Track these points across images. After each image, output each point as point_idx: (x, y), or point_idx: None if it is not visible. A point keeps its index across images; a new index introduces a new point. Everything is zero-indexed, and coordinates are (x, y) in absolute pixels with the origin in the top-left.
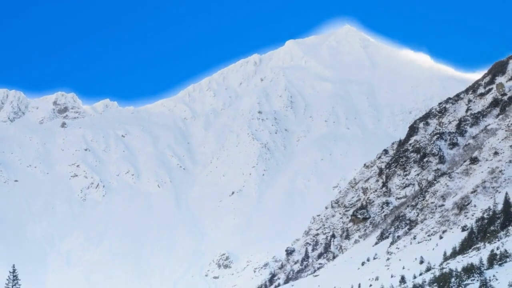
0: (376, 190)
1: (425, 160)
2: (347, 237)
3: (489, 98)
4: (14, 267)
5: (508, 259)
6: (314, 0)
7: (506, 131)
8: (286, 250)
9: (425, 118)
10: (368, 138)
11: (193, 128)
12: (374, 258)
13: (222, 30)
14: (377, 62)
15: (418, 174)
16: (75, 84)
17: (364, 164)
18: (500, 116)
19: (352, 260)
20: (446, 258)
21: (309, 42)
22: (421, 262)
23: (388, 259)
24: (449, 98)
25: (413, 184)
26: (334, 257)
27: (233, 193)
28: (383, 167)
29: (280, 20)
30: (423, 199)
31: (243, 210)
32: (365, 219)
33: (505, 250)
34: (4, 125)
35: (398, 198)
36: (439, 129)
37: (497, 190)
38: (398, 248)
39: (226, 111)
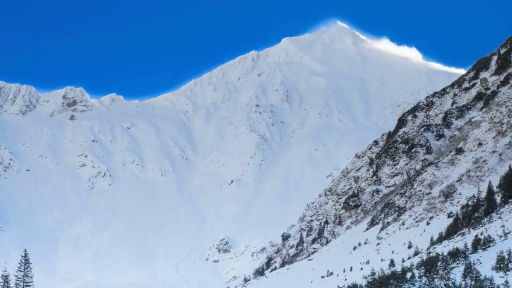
0: (367, 179)
1: (413, 150)
2: (340, 223)
3: (473, 92)
4: (25, 251)
5: (491, 244)
6: (308, 1)
7: (489, 123)
8: (282, 236)
9: (413, 111)
10: (359, 130)
11: (194, 120)
12: (365, 243)
13: (222, 29)
14: (368, 58)
15: (406, 164)
16: (83, 79)
17: (356, 155)
18: (484, 109)
19: (344, 245)
20: (433, 243)
21: (304, 39)
22: (409, 246)
23: (378, 244)
24: (436, 92)
25: (402, 173)
26: (327, 242)
27: (232, 181)
28: (373, 157)
29: (276, 19)
30: (411, 187)
31: (241, 198)
32: (356, 206)
33: (489, 236)
34: (16, 117)
35: (388, 187)
36: (426, 121)
37: (481, 179)
38: (388, 234)
39: (225, 104)
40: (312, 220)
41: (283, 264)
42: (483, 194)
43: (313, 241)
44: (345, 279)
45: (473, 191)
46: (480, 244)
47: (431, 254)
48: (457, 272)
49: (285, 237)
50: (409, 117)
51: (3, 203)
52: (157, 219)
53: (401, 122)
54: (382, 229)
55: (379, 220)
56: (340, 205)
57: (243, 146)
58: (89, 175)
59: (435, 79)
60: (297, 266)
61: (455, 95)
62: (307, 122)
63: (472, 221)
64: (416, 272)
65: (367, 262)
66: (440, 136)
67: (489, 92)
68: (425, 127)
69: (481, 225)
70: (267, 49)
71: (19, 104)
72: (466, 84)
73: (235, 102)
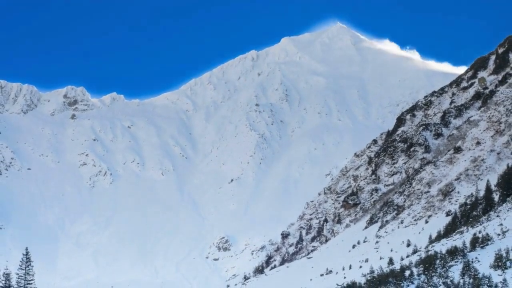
0: (366, 178)
1: (411, 149)
2: (339, 221)
3: (471, 91)
4: (27, 250)
5: (489, 242)
6: (308, 1)
7: (487, 122)
8: (282, 234)
9: (412, 110)
10: (358, 129)
11: (194, 119)
12: (364, 241)
13: (222, 28)
14: (367, 57)
15: (405, 163)
16: (84, 79)
17: (355, 153)
18: (482, 108)
19: (343, 243)
20: (431, 241)
21: (303, 39)
22: (408, 245)
23: (377, 242)
24: (434, 92)
25: (401, 172)
26: (326, 240)
27: (232, 180)
28: (372, 156)
29: (276, 19)
30: (410, 186)
31: (241, 197)
32: (355, 204)
33: (487, 234)
34: (18, 117)
35: (387, 185)
36: (425, 121)
37: (479, 178)
38: (387, 232)
39: (225, 103)
40: (311, 219)
41: (282, 262)
42: (481, 193)
43: (313, 239)
44: (344, 277)
45: (472, 190)
46: (478, 242)
47: (430, 252)
48: (455, 270)
49: (285, 236)
50: (408, 116)
51: (4, 202)
52: (157, 217)
53: (400, 121)
54: (381, 227)
55: (378, 218)
56: (339, 203)
57: (243, 145)
58: (90, 174)
59: (433, 78)
60: (296, 264)
61: (453, 94)
62: (307, 121)
63: (471, 219)
64: (414, 270)
65: (366, 260)
66: (438, 135)
67: (487, 91)
68: (424, 126)
69: (479, 224)
70: (267, 49)
71: (21, 103)
72: (464, 84)
73: (235, 102)
